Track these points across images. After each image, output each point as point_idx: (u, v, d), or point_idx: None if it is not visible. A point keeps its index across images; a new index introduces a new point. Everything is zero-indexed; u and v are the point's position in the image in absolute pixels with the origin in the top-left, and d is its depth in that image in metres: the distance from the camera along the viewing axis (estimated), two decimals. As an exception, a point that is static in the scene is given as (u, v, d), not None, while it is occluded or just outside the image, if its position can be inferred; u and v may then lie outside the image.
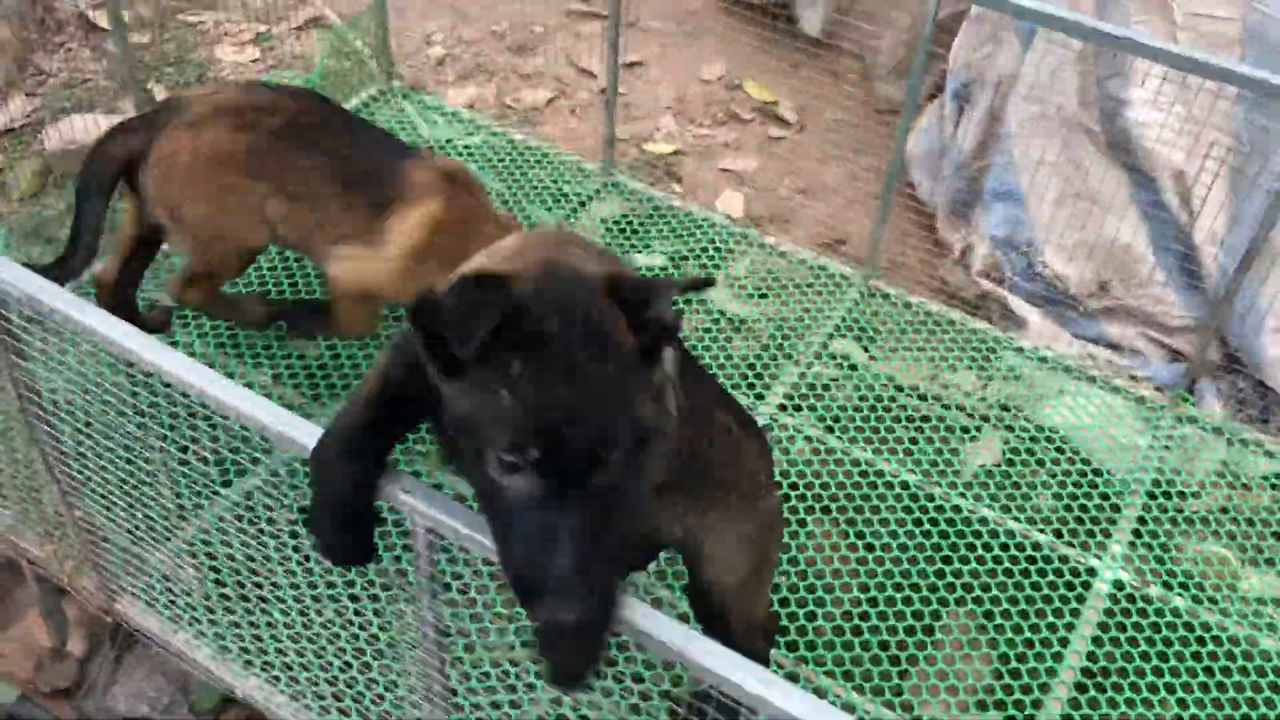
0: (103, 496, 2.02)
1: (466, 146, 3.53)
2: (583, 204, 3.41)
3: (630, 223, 3.37)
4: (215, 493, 2.40)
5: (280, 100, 2.45)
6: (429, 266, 2.35)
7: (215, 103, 2.42)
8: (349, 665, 2.17)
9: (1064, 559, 2.57)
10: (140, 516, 2.03)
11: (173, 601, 2.23)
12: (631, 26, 4.62)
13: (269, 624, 2.21)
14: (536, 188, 3.42)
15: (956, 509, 2.66)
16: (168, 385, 1.63)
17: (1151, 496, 2.75)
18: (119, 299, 2.63)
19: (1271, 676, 2.41)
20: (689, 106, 4.26)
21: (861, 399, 2.91)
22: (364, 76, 3.65)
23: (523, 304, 1.23)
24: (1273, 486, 2.85)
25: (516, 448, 1.21)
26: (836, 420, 2.85)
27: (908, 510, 2.66)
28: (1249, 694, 2.38)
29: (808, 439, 2.79)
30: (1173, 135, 3.15)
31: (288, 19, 4.43)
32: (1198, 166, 3.12)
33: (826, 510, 2.65)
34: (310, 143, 2.39)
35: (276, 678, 2.18)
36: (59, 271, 2.43)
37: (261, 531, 2.15)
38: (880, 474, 2.73)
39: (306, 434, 1.50)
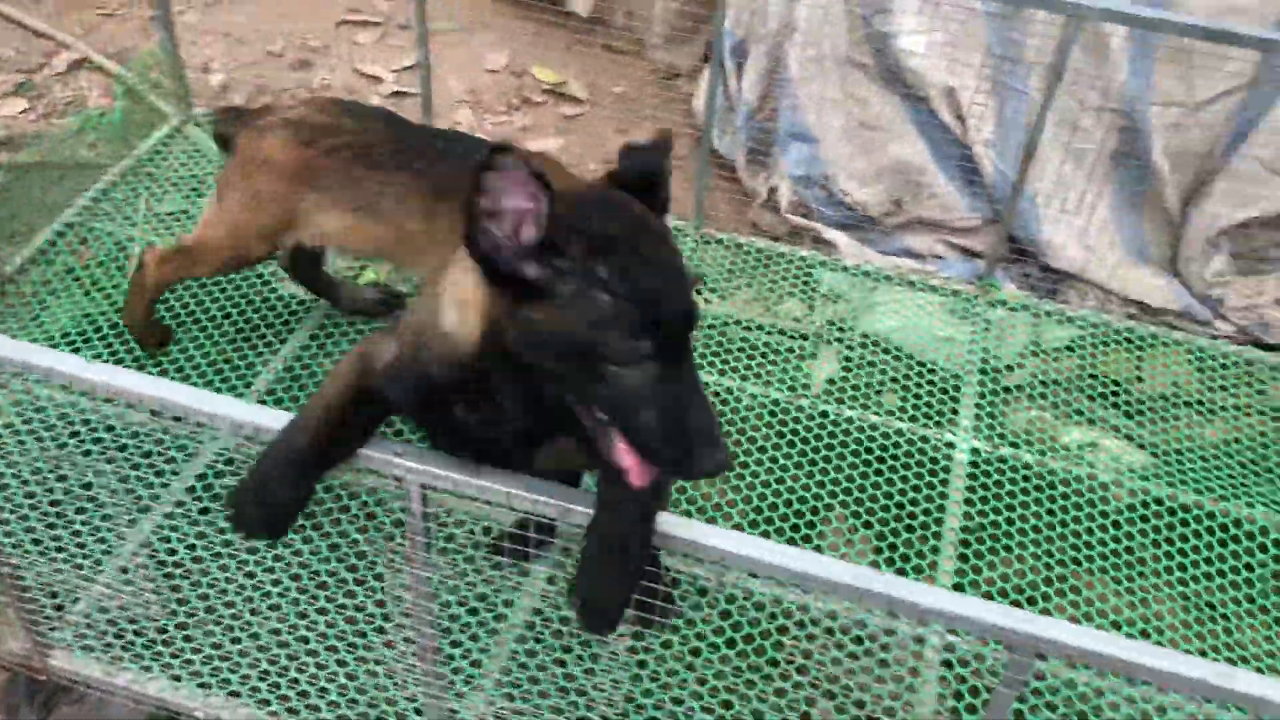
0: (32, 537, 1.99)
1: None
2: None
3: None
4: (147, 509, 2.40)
5: (344, 120, 2.56)
6: None
7: (288, 115, 2.60)
8: (316, 662, 2.22)
9: (924, 439, 2.87)
10: (75, 543, 2.01)
11: (118, 638, 2.21)
12: (404, 29, 4.69)
13: (229, 632, 2.23)
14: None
15: (823, 414, 2.92)
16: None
17: (983, 373, 3.09)
18: (306, 276, 2.94)
19: (1100, 505, 2.79)
20: (481, 97, 4.38)
21: (709, 337, 3.13)
22: (159, 112, 3.58)
23: (583, 213, 1.37)
24: (1070, 350, 3.25)
25: (632, 340, 1.34)
26: (698, 356, 3.06)
27: (776, 426, 2.89)
28: (1090, 517, 2.74)
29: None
30: (937, 58, 3.52)
31: (48, 65, 4.26)
32: (963, 83, 3.50)
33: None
34: (378, 162, 2.48)
35: (236, 692, 2.20)
36: None
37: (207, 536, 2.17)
38: (743, 396, 2.95)
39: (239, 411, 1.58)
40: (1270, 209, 3.51)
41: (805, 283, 3.33)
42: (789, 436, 2.86)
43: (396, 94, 4.34)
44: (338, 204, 2.52)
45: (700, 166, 3.39)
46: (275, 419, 1.60)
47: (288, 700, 2.19)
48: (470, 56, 4.57)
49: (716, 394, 2.95)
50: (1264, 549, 2.71)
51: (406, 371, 1.54)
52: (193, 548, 2.41)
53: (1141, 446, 3.00)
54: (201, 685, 2.20)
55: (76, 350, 2.83)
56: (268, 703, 2.19)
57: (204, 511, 2.48)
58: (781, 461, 2.80)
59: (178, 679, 2.21)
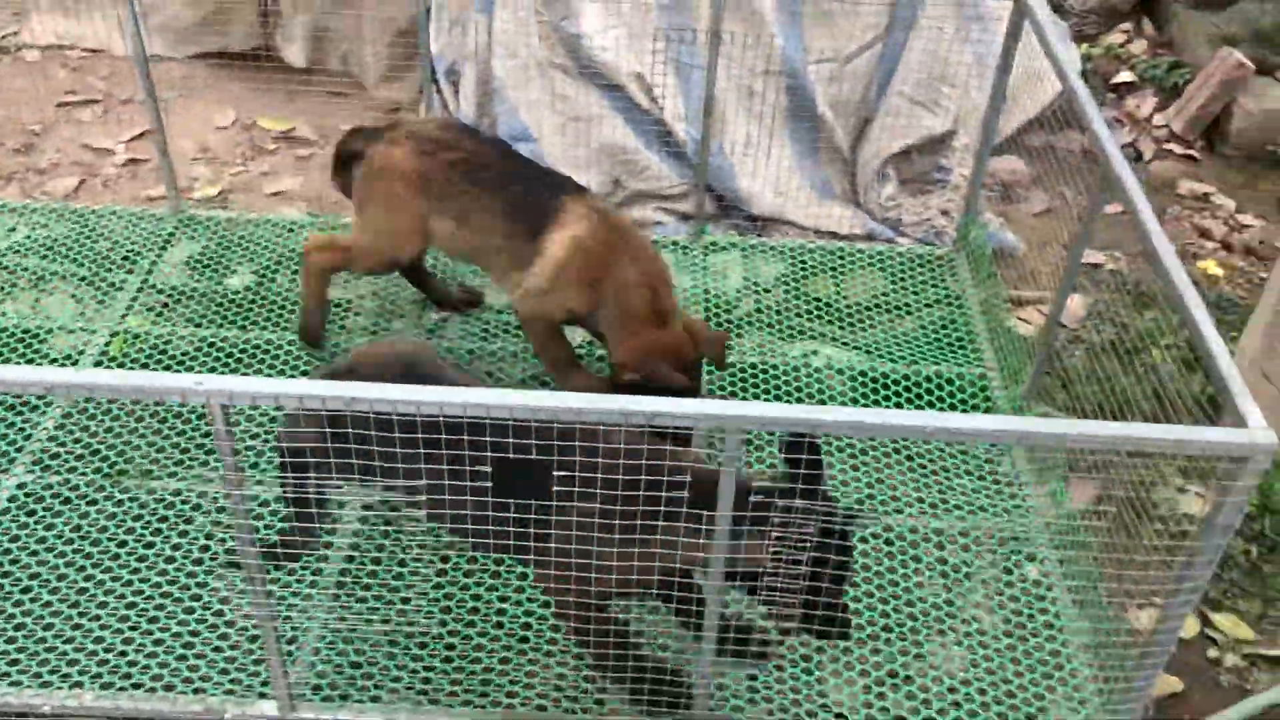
0: None
1: (18, 243, 3.62)
2: (161, 252, 3.63)
3: (210, 257, 3.64)
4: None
5: (463, 139, 2.99)
6: (568, 286, 2.83)
7: (413, 129, 3.01)
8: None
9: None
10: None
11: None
12: (125, 102, 4.82)
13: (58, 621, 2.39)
14: (107, 254, 3.60)
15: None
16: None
17: (708, 310, 3.54)
18: (410, 272, 3.35)
19: (822, 386, 3.28)
20: (216, 153, 4.56)
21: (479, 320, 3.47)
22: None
23: None
24: (780, 281, 3.74)
25: None
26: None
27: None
28: (811, 396, 3.23)
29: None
30: (623, 50, 3.99)
31: None
32: (647, 67, 3.99)
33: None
34: (480, 178, 2.85)
35: (80, 683, 2.34)
36: None
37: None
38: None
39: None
40: (921, 135, 4.15)
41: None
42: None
43: (130, 161, 4.47)
44: (445, 211, 2.91)
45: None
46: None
47: (130, 675, 2.36)
48: (197, 118, 4.74)
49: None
50: (942, 387, 3.28)
51: None
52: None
53: (855, 348, 3.51)
54: (42, 682, 2.34)
55: None
56: (111, 685, 2.35)
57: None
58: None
59: (17, 682, 2.34)
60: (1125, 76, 5.20)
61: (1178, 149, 4.86)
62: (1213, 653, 3.02)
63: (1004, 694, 2.54)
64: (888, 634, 2.62)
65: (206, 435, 2.92)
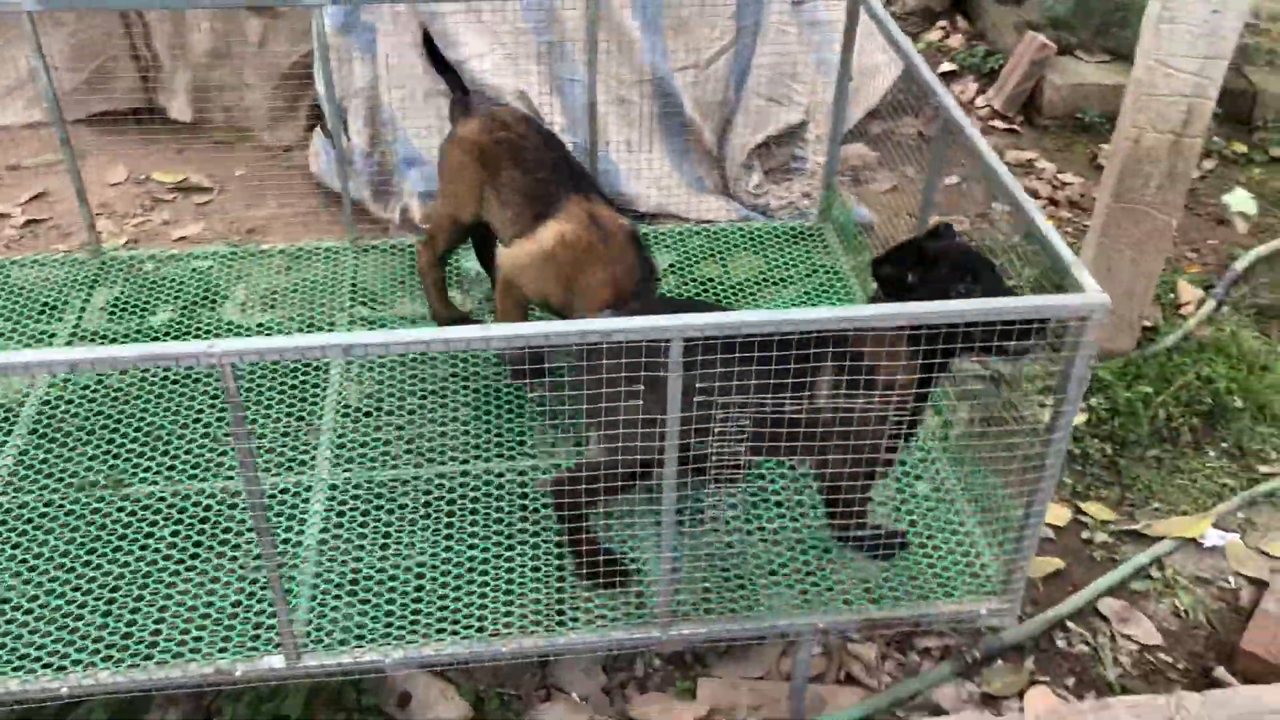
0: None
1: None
2: (88, 298, 3.78)
3: (129, 299, 3.81)
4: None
5: (520, 125, 3.37)
6: (547, 272, 3.14)
7: (490, 110, 3.45)
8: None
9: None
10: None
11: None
12: (13, 169, 4.94)
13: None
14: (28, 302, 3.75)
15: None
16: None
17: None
18: (480, 253, 3.79)
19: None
20: (115, 207, 4.72)
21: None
22: None
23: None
24: (671, 269, 4.11)
25: None
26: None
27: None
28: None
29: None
30: (505, 72, 4.33)
31: None
32: (529, 85, 4.34)
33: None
34: (520, 160, 3.20)
35: (92, 663, 2.53)
36: None
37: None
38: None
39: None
40: (776, 129, 4.60)
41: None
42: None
43: (29, 222, 4.60)
44: (491, 185, 3.27)
45: (345, 206, 3.98)
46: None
47: (138, 650, 2.56)
48: (91, 177, 4.87)
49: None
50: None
51: None
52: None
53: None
54: (56, 667, 2.52)
55: None
56: (120, 661, 2.54)
57: None
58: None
59: (31, 670, 2.51)
60: (947, 67, 5.80)
61: (1000, 125, 5.46)
62: (1084, 534, 3.48)
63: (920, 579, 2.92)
64: (804, 550, 2.97)
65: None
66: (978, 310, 2.25)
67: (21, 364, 2.04)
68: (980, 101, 5.59)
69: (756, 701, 2.92)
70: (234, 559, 2.81)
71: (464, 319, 3.66)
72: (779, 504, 3.04)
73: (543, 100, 4.33)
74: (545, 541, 2.89)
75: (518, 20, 4.28)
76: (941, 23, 6.14)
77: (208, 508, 2.95)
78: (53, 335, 3.62)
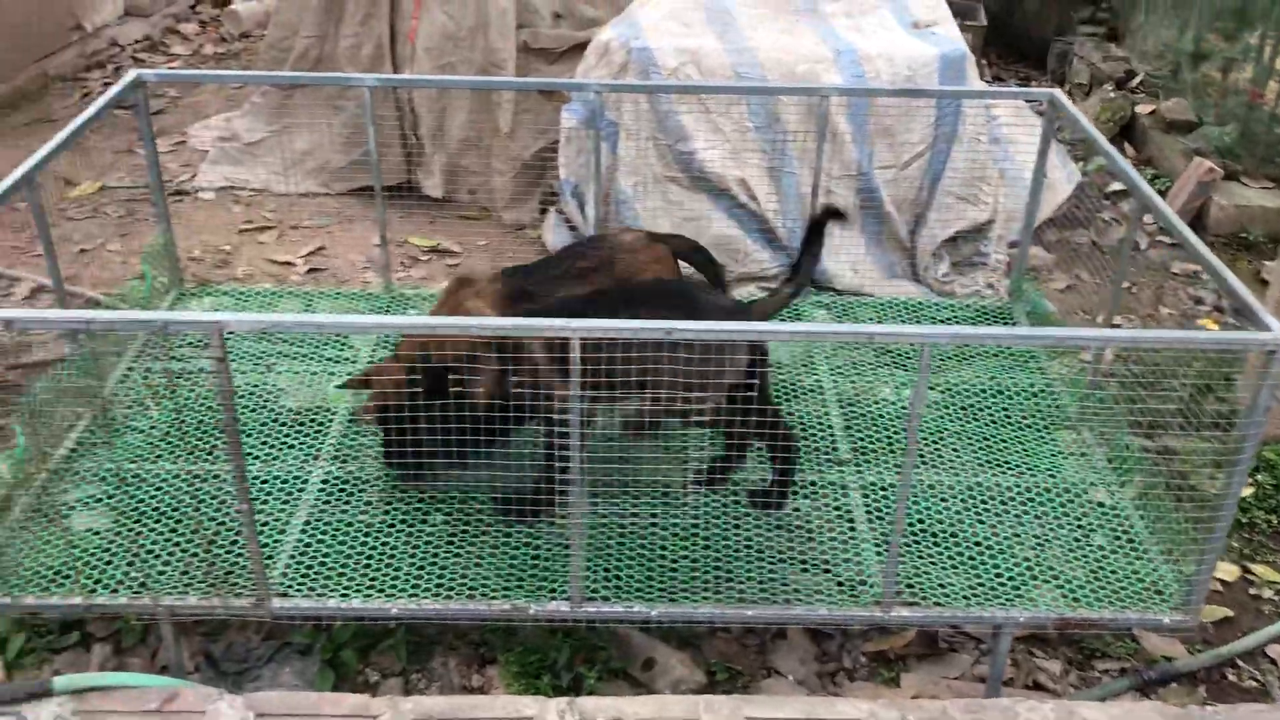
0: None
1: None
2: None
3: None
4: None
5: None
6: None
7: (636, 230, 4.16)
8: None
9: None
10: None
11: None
12: (295, 228, 5.77)
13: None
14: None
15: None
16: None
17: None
18: None
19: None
20: (379, 263, 5.48)
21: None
22: (163, 289, 4.44)
23: None
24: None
25: None
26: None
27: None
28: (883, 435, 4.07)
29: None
30: (728, 162, 4.99)
31: (12, 294, 5.05)
32: (749, 174, 4.99)
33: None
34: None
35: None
36: None
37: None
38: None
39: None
40: (965, 225, 5.15)
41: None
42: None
43: (311, 270, 5.39)
44: None
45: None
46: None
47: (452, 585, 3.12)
48: (356, 238, 5.69)
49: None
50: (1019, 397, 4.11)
51: None
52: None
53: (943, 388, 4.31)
54: (386, 594, 3.09)
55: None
56: (438, 594, 3.10)
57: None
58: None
59: (368, 594, 3.09)
60: (1117, 186, 6.28)
61: (1166, 239, 5.89)
62: (1252, 590, 3.81)
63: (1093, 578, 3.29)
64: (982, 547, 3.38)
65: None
66: (1170, 339, 2.71)
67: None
68: (1148, 219, 6.04)
69: (954, 696, 3.32)
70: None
71: None
72: (1004, 502, 3.50)
73: (760, 188, 4.96)
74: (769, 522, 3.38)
75: (743, 120, 4.95)
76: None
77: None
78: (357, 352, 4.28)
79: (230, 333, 2.68)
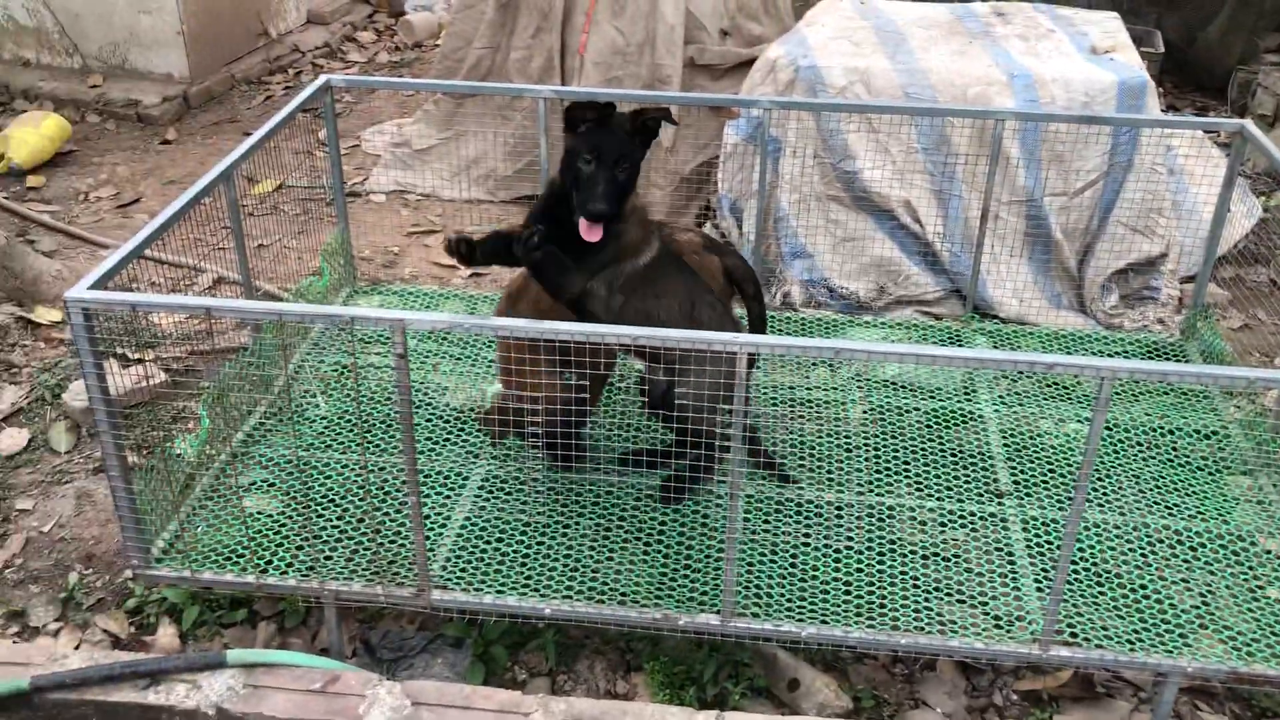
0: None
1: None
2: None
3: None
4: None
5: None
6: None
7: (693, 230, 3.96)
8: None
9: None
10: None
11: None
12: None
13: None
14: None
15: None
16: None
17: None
18: None
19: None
20: (537, 271, 5.60)
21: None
22: (337, 285, 4.63)
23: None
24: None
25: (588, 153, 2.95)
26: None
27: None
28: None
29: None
30: (893, 183, 4.94)
31: (195, 285, 5.33)
32: (914, 196, 4.92)
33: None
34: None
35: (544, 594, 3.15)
36: None
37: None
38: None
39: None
40: (1137, 257, 4.97)
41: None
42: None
43: (474, 275, 5.53)
44: None
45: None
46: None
47: (601, 590, 3.16)
48: (517, 245, 5.81)
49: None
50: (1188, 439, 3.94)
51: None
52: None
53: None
54: (540, 595, 3.15)
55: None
56: (590, 597, 3.15)
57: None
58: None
59: (522, 592, 3.15)
60: (1298, 223, 5.99)
61: (1354, 282, 5.59)
62: None
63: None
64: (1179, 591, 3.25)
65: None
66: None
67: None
68: (1333, 258, 5.74)
69: (1110, 742, 3.21)
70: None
71: None
72: (1172, 546, 3.39)
73: (924, 210, 4.89)
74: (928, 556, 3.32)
75: (911, 141, 4.89)
76: (1293, 183, 6.35)
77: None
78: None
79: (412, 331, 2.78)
